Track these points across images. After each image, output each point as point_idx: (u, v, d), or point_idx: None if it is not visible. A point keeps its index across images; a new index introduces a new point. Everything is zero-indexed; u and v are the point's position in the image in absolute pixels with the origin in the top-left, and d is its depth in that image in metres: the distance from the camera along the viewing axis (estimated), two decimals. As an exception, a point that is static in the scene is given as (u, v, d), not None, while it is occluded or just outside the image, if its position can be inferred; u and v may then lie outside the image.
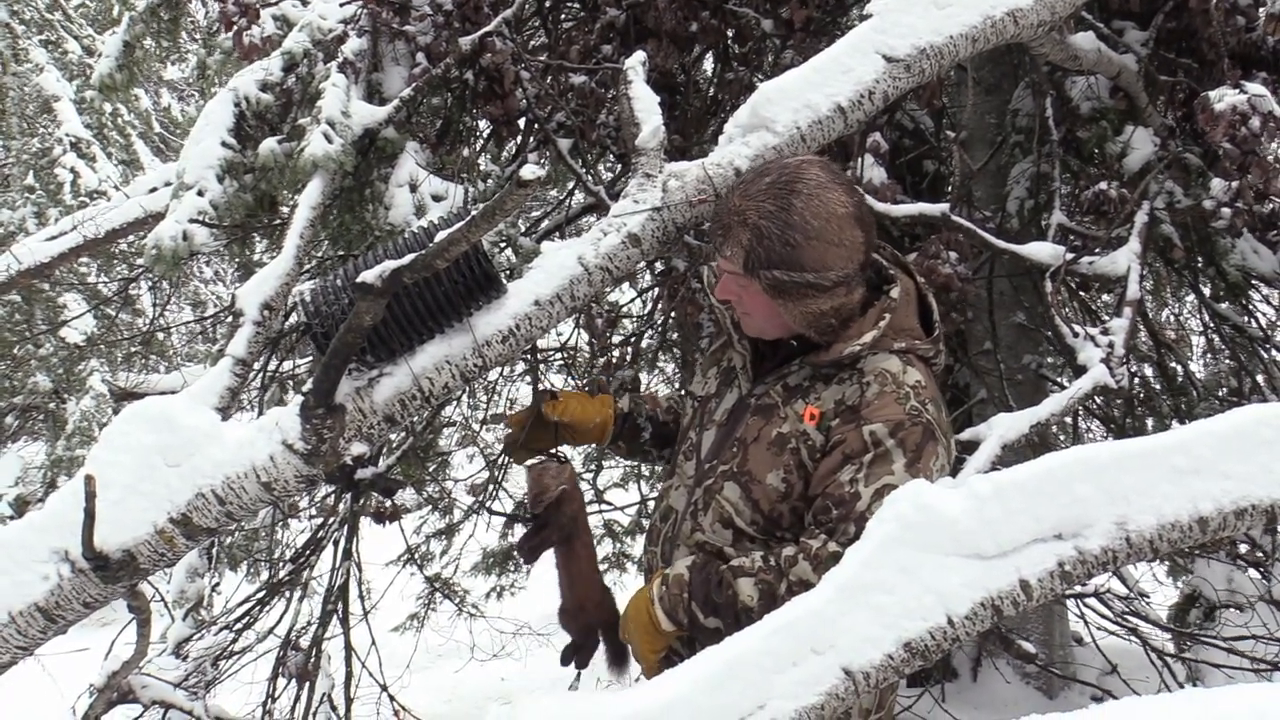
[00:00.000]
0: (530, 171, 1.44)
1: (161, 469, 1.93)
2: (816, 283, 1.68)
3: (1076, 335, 2.16)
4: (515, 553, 2.22)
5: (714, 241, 1.75)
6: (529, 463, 2.15)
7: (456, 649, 4.64)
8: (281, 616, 3.23)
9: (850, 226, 1.68)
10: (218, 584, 3.32)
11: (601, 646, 2.12)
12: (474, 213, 1.53)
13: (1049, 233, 2.54)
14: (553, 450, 2.19)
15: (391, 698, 3.29)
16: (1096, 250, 2.38)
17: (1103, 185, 2.48)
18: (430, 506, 4.74)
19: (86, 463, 1.96)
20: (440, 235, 1.63)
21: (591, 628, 2.09)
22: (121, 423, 1.96)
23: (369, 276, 1.66)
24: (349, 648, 3.09)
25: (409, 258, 1.65)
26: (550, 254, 2.00)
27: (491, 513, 3.69)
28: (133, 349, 7.28)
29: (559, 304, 1.96)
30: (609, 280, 2.00)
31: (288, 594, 3.18)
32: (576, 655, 2.10)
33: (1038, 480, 1.36)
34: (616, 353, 2.72)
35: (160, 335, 7.64)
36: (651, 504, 4.71)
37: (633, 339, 2.80)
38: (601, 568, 5.18)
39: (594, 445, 2.22)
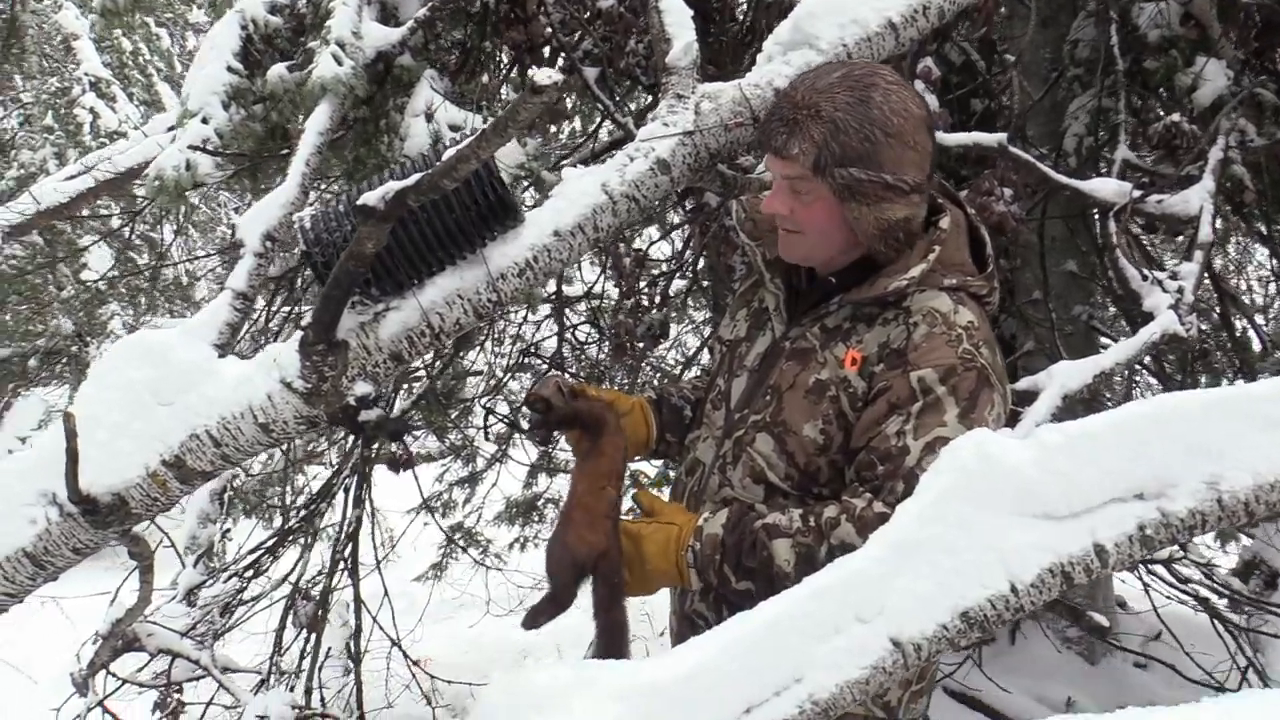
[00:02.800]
0: (545, 76, 1.27)
1: (152, 407, 1.81)
2: (895, 184, 1.52)
3: (1145, 279, 1.97)
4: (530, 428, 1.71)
5: (773, 141, 1.56)
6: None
7: (474, 601, 4.55)
8: (295, 565, 3.13)
9: (924, 132, 1.53)
10: (228, 530, 3.22)
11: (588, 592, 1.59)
12: (484, 126, 1.37)
13: (1113, 169, 2.34)
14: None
15: (404, 653, 3.20)
16: (1165, 189, 2.18)
17: (1175, 117, 2.27)
18: (454, 455, 4.62)
19: (75, 399, 1.84)
20: (448, 153, 1.47)
21: (569, 552, 1.58)
22: (111, 357, 1.84)
23: (371, 198, 1.51)
24: (358, 599, 2.99)
25: (414, 178, 1.50)
26: (572, 181, 1.84)
27: (491, 413, 3.41)
28: (157, 292, 7.21)
29: (580, 235, 1.80)
30: (635, 210, 1.84)
31: (300, 542, 3.08)
32: (541, 611, 1.58)
33: (1116, 432, 1.20)
34: (644, 296, 2.57)
35: (184, 279, 7.56)
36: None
37: (661, 281, 2.64)
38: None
39: (645, 446, 1.87)
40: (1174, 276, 2.05)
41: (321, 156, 2.74)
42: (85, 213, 6.30)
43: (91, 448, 1.76)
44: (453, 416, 4.26)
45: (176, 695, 3.14)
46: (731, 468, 1.68)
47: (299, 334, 1.72)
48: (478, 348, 4.55)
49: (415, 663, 3.17)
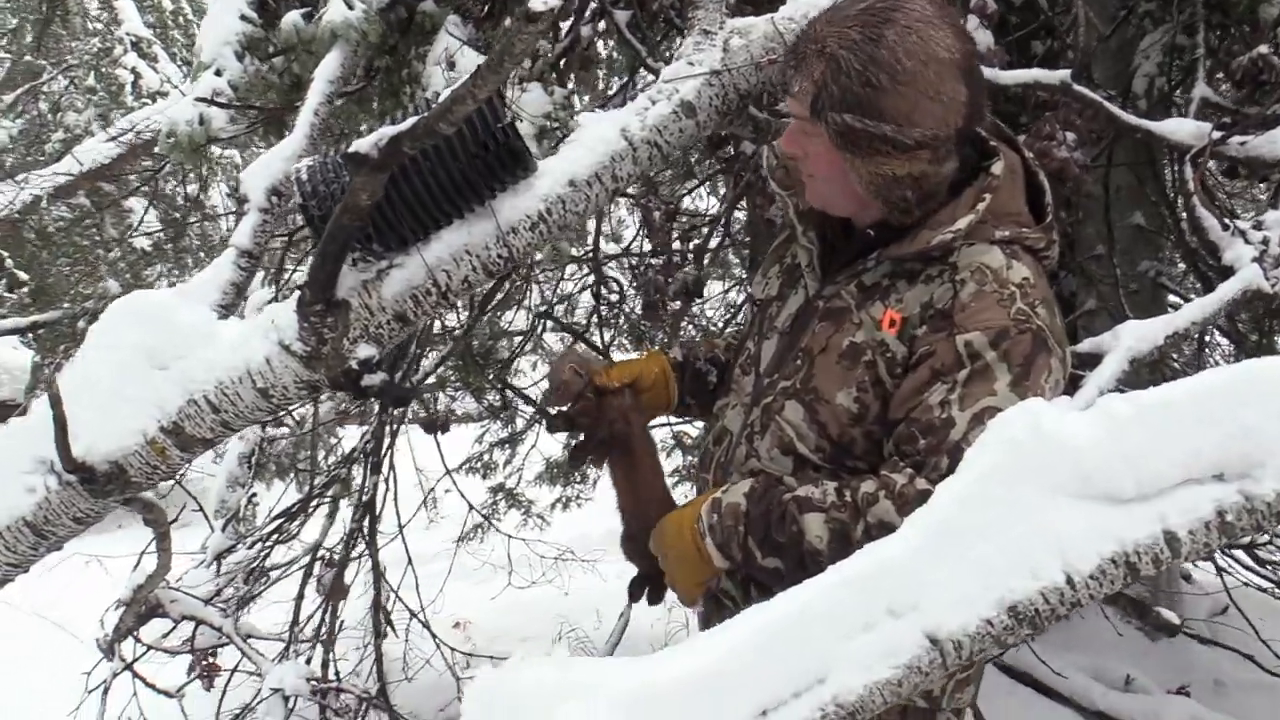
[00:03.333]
0: (541, 2, 1.13)
1: (149, 372, 1.72)
2: (894, 138, 1.34)
3: (1226, 229, 1.77)
4: (568, 460, 1.84)
5: (783, 75, 1.42)
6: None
7: (518, 562, 4.49)
8: (326, 532, 3.07)
9: (952, 78, 1.34)
10: (254, 495, 3.17)
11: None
12: (479, 63, 1.23)
13: (1189, 109, 2.13)
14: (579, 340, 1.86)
15: (424, 624, 3.12)
16: (1250, 130, 1.97)
17: (1263, 49, 2.05)
18: (492, 417, 4.54)
19: (71, 363, 1.76)
20: (444, 93, 1.34)
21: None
22: (108, 319, 1.75)
23: (363, 145, 1.39)
24: (376, 568, 2.92)
25: (408, 122, 1.37)
26: (589, 126, 1.70)
27: (514, 392, 3.35)
28: (203, 254, 7.22)
29: (598, 185, 1.67)
30: (658, 157, 1.70)
31: (326, 507, 3.01)
32: (649, 588, 1.74)
33: (1194, 402, 1.04)
34: (676, 251, 2.43)
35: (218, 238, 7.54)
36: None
37: (695, 234, 2.49)
38: (672, 481, 4.93)
39: (665, 410, 1.83)
40: (1258, 226, 1.84)
41: (333, 107, 2.62)
42: (128, 175, 6.30)
43: (87, 414, 1.68)
44: (490, 377, 4.16)
45: (211, 659, 3.12)
46: (759, 437, 1.54)
47: (297, 293, 1.62)
48: (515, 307, 4.45)
49: (435, 637, 3.10)
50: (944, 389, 1.33)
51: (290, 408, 1.83)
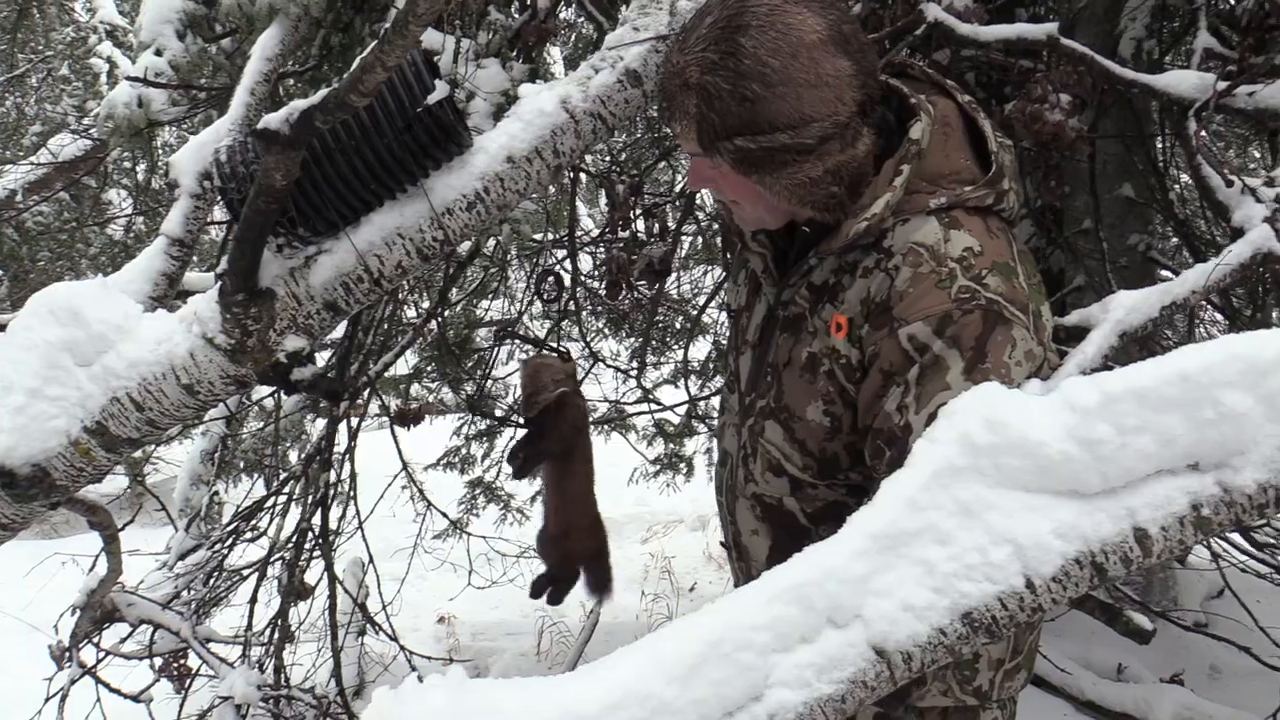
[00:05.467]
0: (443, -46, 1.03)
1: (71, 369, 1.62)
2: (795, 143, 1.22)
3: (1231, 185, 1.63)
4: (506, 463, 1.87)
5: (662, 118, 1.31)
6: (527, 357, 1.82)
7: (500, 556, 4.40)
8: (280, 531, 2.97)
9: (829, 55, 1.21)
10: (217, 493, 3.07)
11: (582, 577, 1.84)
12: (384, 29, 1.13)
13: (1192, 60, 1.99)
14: (556, 346, 1.84)
15: (376, 626, 3.02)
16: (1258, 80, 1.82)
17: None
18: (469, 409, 4.44)
19: (-14, 362, 1.66)
20: (355, 63, 1.24)
21: (572, 557, 1.79)
22: (25, 315, 1.65)
23: (273, 121, 1.28)
24: (330, 568, 2.82)
25: (319, 95, 1.26)
26: (528, 99, 1.59)
27: (482, 414, 3.34)
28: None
29: (539, 161, 1.56)
30: (603, 129, 1.59)
31: (295, 506, 2.91)
32: (551, 588, 1.80)
33: (1167, 386, 0.94)
34: (641, 226, 2.32)
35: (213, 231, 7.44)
36: (701, 404, 4.35)
37: (660, 208, 2.39)
38: (654, 469, 4.82)
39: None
40: (1270, 183, 1.69)
41: (285, 86, 2.52)
42: (102, 165, 6.17)
43: (6, 414, 1.59)
44: (467, 367, 4.06)
45: (182, 659, 3.03)
46: (752, 460, 1.46)
47: (217, 283, 1.51)
48: (491, 296, 4.35)
49: (394, 637, 3.01)
50: (898, 392, 1.22)
51: (217, 404, 1.73)
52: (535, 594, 1.81)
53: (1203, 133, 1.71)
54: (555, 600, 1.80)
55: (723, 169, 1.30)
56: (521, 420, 1.81)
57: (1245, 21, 1.92)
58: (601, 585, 1.81)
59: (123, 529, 2.19)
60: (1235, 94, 1.78)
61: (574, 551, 1.77)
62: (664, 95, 1.30)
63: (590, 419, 1.83)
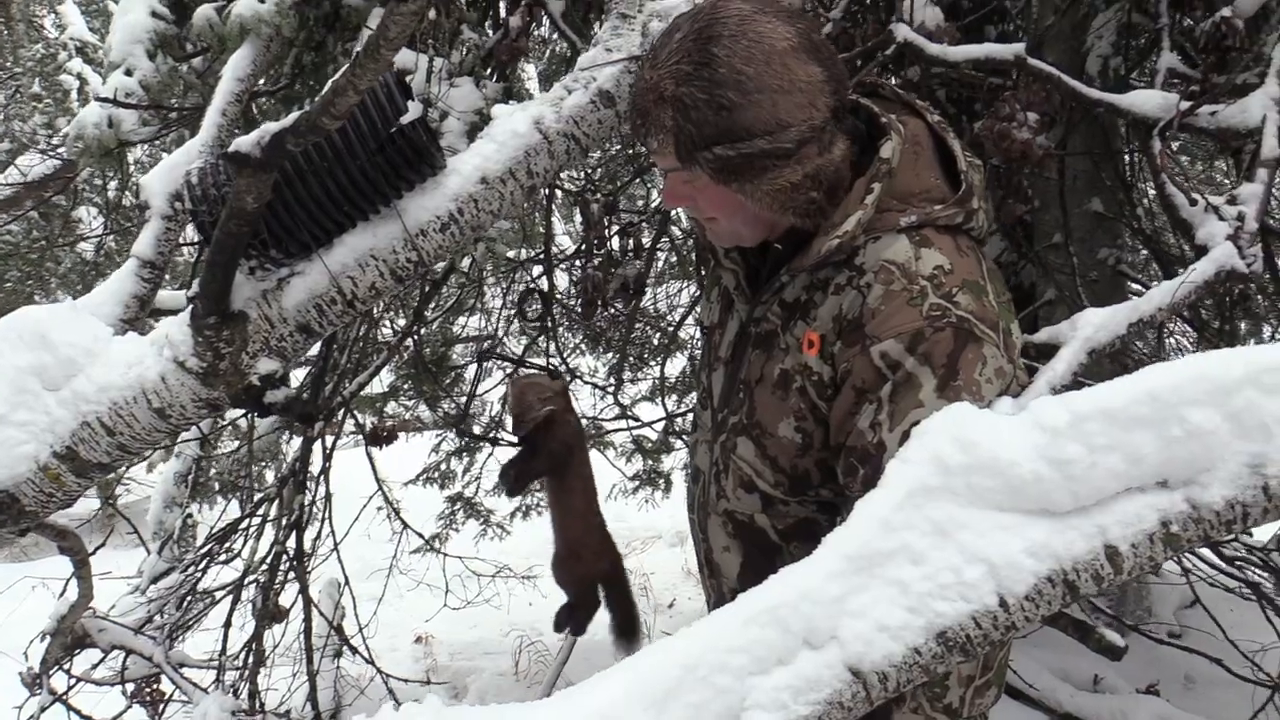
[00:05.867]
0: (413, -21, 1.03)
1: (40, 394, 1.60)
2: (774, 148, 1.23)
3: (1194, 204, 1.65)
4: (498, 481, 1.84)
5: (636, 136, 1.32)
6: (514, 375, 1.82)
7: (482, 572, 4.38)
8: (272, 552, 2.94)
9: (800, 62, 1.22)
10: (190, 516, 3.04)
11: (604, 607, 1.80)
12: (356, 51, 1.13)
13: (1156, 80, 2.02)
14: (546, 365, 1.84)
15: (352, 648, 3.00)
16: (1219, 99, 1.85)
17: (1225, 12, 1.94)
18: (448, 426, 4.42)
19: (-48, 387, 1.64)
20: (327, 86, 1.23)
21: (588, 580, 1.75)
22: (-7, 338, 1.63)
23: (244, 144, 1.28)
24: (305, 590, 2.79)
25: (290, 118, 1.26)
26: (502, 119, 1.59)
27: (468, 435, 3.34)
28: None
29: (512, 182, 1.56)
30: (576, 150, 1.59)
31: (265, 526, 2.89)
32: (571, 618, 1.76)
33: (1136, 405, 0.95)
34: (617, 245, 2.32)
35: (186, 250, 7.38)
36: (679, 420, 4.35)
37: (634, 228, 2.40)
38: (632, 485, 4.80)
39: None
40: (1232, 201, 1.72)
41: (257, 104, 2.51)
42: (81, 183, 6.11)
43: (-29, 441, 1.57)
44: (444, 384, 4.05)
45: (156, 684, 2.99)
46: (724, 476, 1.46)
47: (189, 306, 1.50)
48: (468, 312, 4.34)
49: (370, 660, 2.98)
50: (871, 410, 1.23)
51: (190, 428, 1.72)
52: (559, 627, 1.77)
53: (1167, 153, 1.73)
54: (579, 630, 1.76)
55: (701, 182, 1.30)
56: (512, 439, 1.79)
57: (1204, 43, 1.95)
58: (625, 616, 1.78)
59: (94, 553, 2.16)
60: (1198, 113, 1.81)
61: (588, 573, 1.75)
62: (638, 112, 1.30)
63: (585, 435, 1.80)
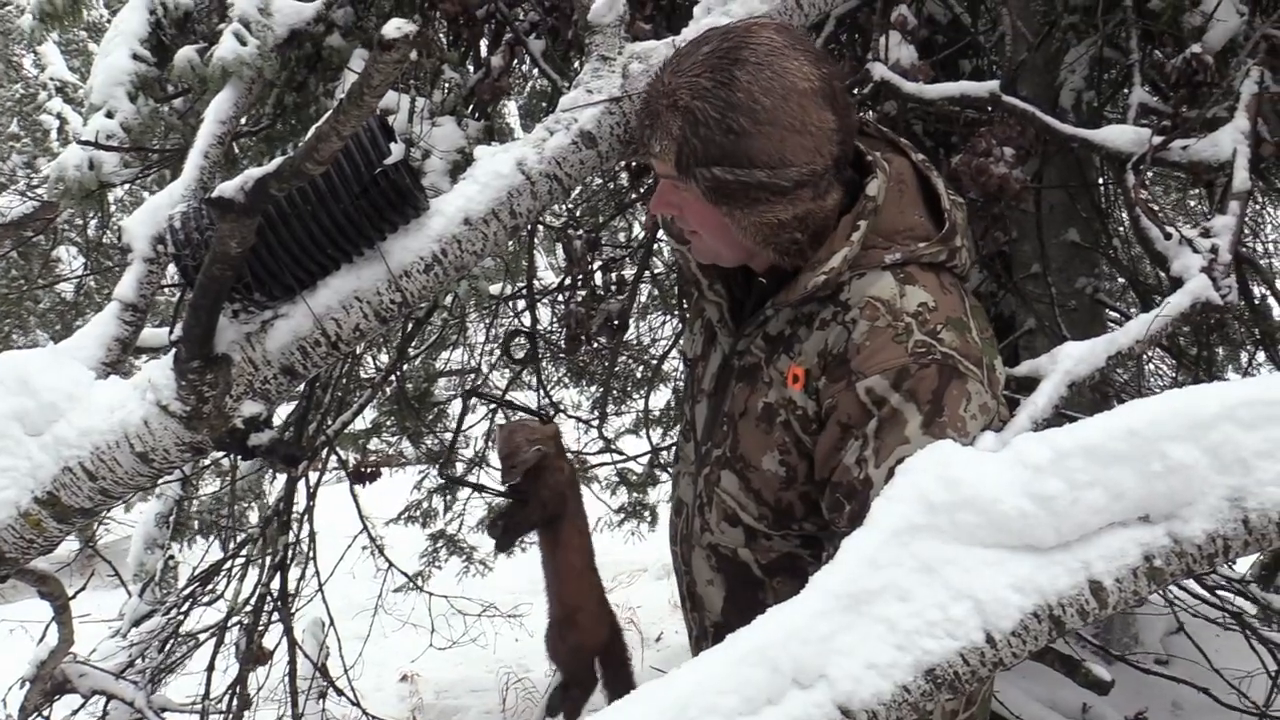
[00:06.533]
0: (395, 29, 1.04)
1: (22, 439, 1.59)
2: (770, 183, 1.24)
3: (1169, 237, 1.68)
4: (487, 535, 1.80)
5: (640, 135, 1.33)
6: (501, 421, 1.79)
7: (468, 610, 4.34)
8: (255, 594, 2.91)
9: (817, 106, 1.24)
10: (171, 557, 3.01)
11: (600, 680, 1.69)
12: (339, 98, 1.14)
13: (1128, 115, 2.07)
14: (536, 408, 1.82)
15: (338, 690, 2.97)
16: (1190, 133, 1.89)
17: (1196, 48, 1.98)
18: (430, 462, 4.41)
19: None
20: (310, 132, 1.24)
21: (585, 652, 1.66)
22: (-29, 384, 1.62)
23: (228, 189, 1.28)
24: (289, 632, 2.77)
25: (274, 163, 1.27)
26: (484, 160, 1.60)
27: (453, 480, 3.32)
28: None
29: (495, 222, 1.57)
30: (559, 191, 1.60)
31: (239, 572, 2.86)
32: (565, 699, 1.65)
33: (1115, 441, 0.96)
34: (599, 280, 2.34)
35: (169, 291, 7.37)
36: (664, 453, 4.35)
37: (617, 263, 2.42)
38: (618, 518, 4.77)
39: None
40: (1206, 233, 1.76)
41: (240, 144, 2.51)
42: (63, 223, 6.09)
43: (-48, 487, 1.56)
44: (427, 420, 4.04)
45: (137, 729, 2.94)
46: (708, 509, 1.46)
47: (172, 350, 1.50)
48: (451, 347, 4.34)
49: (355, 702, 2.95)
50: (857, 446, 1.23)
51: (173, 471, 1.71)
52: (552, 712, 1.65)
53: (1141, 187, 1.76)
54: (574, 715, 1.65)
55: (692, 195, 1.31)
56: (499, 487, 1.72)
57: (1175, 78, 1.99)
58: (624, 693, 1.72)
59: (74, 596, 2.14)
60: (1170, 148, 1.85)
61: (585, 643, 1.65)
62: (648, 113, 1.31)
63: (579, 484, 1.73)
